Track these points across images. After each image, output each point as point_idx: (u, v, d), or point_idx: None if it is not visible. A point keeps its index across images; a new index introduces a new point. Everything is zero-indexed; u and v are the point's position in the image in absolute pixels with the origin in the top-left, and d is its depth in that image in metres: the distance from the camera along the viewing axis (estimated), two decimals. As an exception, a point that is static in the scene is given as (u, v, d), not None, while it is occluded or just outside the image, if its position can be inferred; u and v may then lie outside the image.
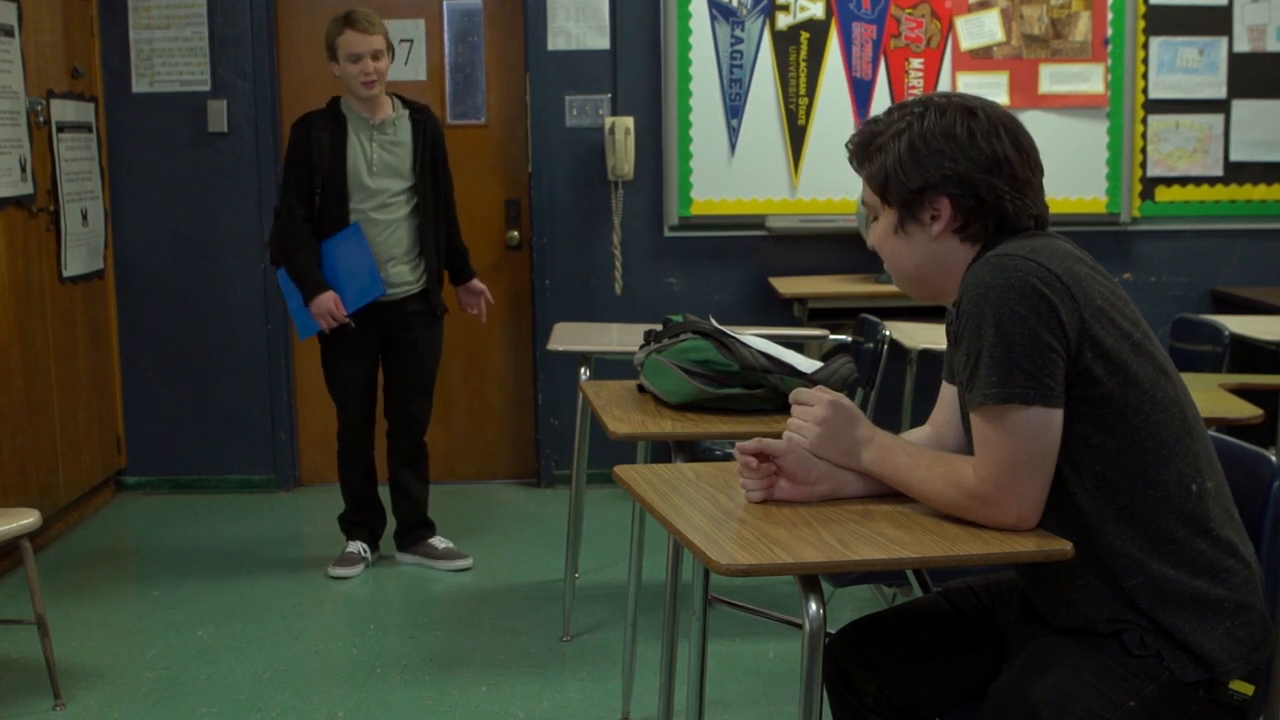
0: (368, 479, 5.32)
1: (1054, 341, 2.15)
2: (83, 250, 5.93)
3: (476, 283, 5.37)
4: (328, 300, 4.98)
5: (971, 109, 2.31)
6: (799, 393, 2.45)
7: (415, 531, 5.35)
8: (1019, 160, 2.30)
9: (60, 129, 5.73)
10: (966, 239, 2.33)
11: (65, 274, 5.76)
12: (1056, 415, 2.17)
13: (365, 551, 5.27)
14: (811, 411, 2.40)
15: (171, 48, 6.20)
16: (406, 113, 5.13)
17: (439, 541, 5.34)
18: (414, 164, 5.08)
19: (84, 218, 5.95)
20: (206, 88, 6.19)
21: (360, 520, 5.32)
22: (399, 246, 5.08)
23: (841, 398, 2.41)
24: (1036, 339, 2.14)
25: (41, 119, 5.57)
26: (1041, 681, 2.22)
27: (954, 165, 2.29)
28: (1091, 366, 2.18)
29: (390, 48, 5.08)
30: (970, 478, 2.22)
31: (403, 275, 5.11)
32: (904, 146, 2.32)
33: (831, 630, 2.47)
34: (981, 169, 2.28)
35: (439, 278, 5.21)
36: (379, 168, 5.05)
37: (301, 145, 5.04)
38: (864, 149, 2.39)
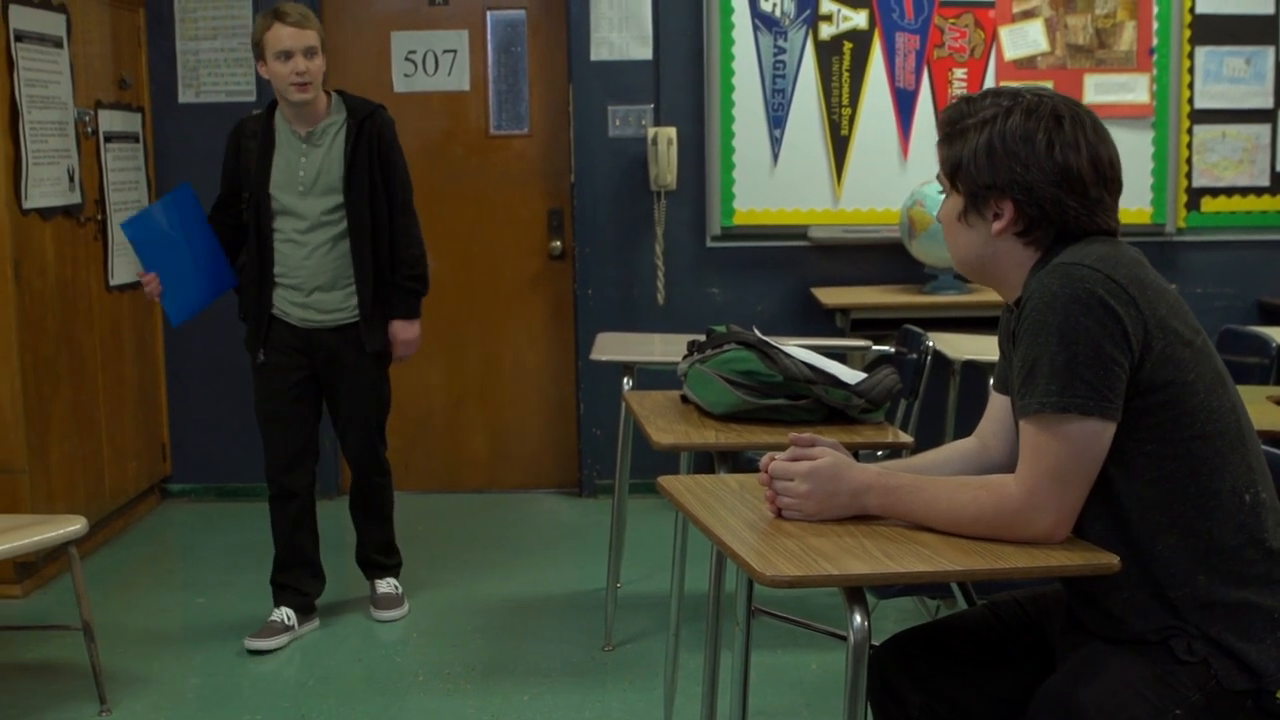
0: (299, 531, 4.72)
1: (1117, 354, 2.14)
2: (129, 259, 5.96)
3: (397, 328, 4.65)
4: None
5: (1060, 117, 2.29)
6: (775, 466, 2.39)
7: (366, 569, 4.96)
8: (1093, 178, 2.28)
9: (108, 139, 5.79)
10: (1028, 242, 2.32)
11: (112, 282, 5.81)
12: (1110, 429, 2.17)
13: (290, 619, 4.66)
14: (793, 487, 2.36)
15: (217, 58, 6.25)
16: (342, 118, 4.58)
17: (382, 584, 4.90)
18: (345, 179, 4.52)
19: (131, 227, 5.99)
20: (252, 98, 6.23)
21: (287, 582, 4.73)
22: (330, 273, 4.56)
23: (818, 461, 2.36)
24: (1100, 351, 2.14)
25: (89, 129, 5.62)
26: (1088, 686, 2.21)
27: (1025, 172, 2.27)
28: (1152, 375, 2.17)
29: (326, 47, 4.55)
30: (1012, 486, 2.21)
31: (333, 303, 4.59)
32: (982, 140, 2.30)
33: (873, 642, 2.46)
34: (1051, 181, 2.27)
35: (374, 309, 4.61)
36: (306, 186, 4.53)
37: (230, 155, 4.64)
38: (950, 127, 2.38)
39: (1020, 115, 2.29)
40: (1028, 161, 2.27)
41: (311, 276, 4.57)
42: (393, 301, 4.63)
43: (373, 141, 4.56)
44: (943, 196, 2.44)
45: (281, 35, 4.44)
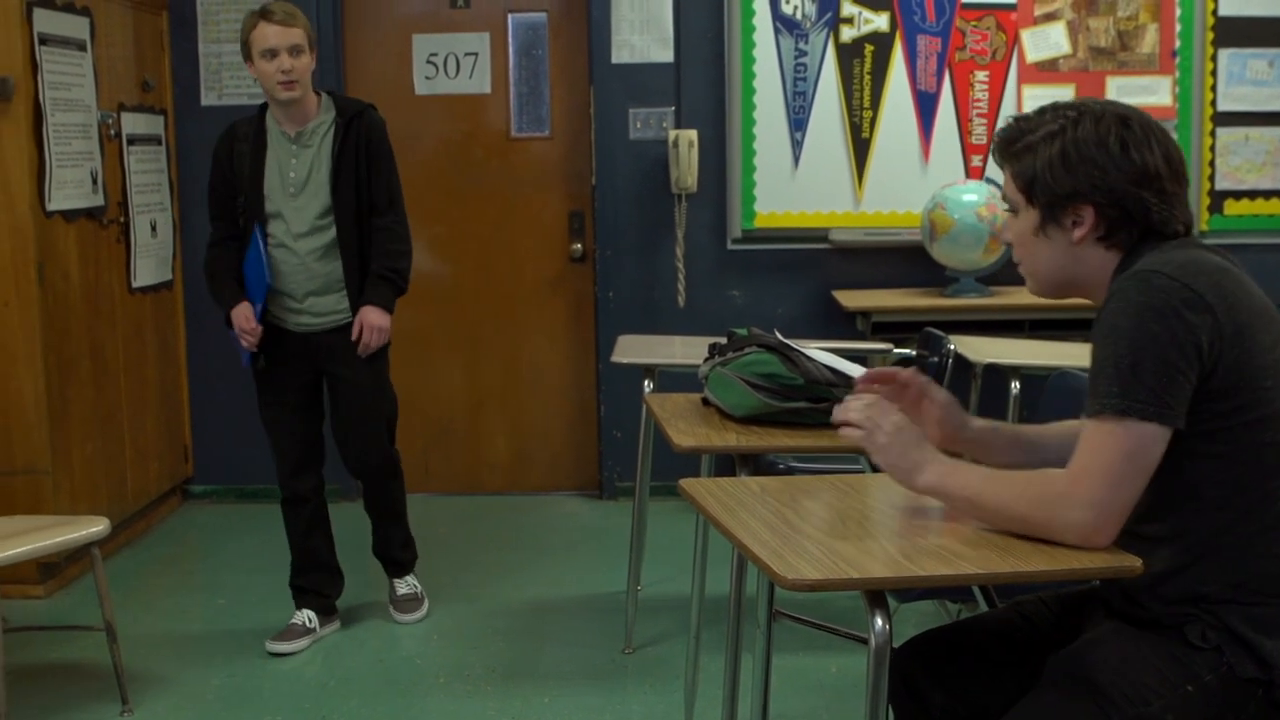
0: (313, 534, 4.73)
1: (1184, 365, 2.15)
2: (152, 261, 6.00)
3: (367, 313, 4.52)
4: (238, 315, 4.48)
5: (1126, 119, 2.32)
6: (879, 401, 2.47)
7: (385, 563, 4.94)
8: (1168, 173, 2.31)
9: (130, 141, 5.81)
10: (1109, 246, 2.33)
11: (134, 284, 5.83)
12: (1167, 436, 2.16)
13: (311, 621, 4.68)
14: (891, 419, 2.41)
15: (239, 61, 6.16)
16: (331, 118, 4.52)
17: (401, 585, 4.90)
18: (332, 181, 4.47)
19: (153, 229, 6.02)
20: (274, 101, 6.25)
21: (306, 585, 4.75)
22: (325, 275, 4.52)
23: (913, 425, 2.45)
24: (1166, 360, 2.14)
25: (112, 131, 5.65)
26: (1101, 652, 2.24)
27: (1103, 175, 2.29)
28: (1224, 382, 2.18)
29: (313, 46, 4.49)
30: (1060, 480, 2.21)
31: (329, 305, 4.55)
32: (1056, 151, 2.32)
33: (893, 645, 2.47)
34: (1131, 181, 2.29)
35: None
36: (296, 189, 4.48)
37: (223, 160, 4.54)
38: (1010, 145, 2.39)
39: (1090, 122, 2.31)
40: (1105, 165, 2.29)
41: (305, 281, 4.52)
42: (366, 289, 4.54)
43: (360, 141, 4.51)
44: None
45: (267, 34, 4.39)
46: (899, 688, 2.51)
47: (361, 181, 4.51)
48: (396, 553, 4.93)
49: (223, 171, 4.55)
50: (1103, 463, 2.16)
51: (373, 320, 4.53)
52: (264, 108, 4.58)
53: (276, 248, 4.51)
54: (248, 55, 4.46)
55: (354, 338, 4.54)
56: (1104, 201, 2.30)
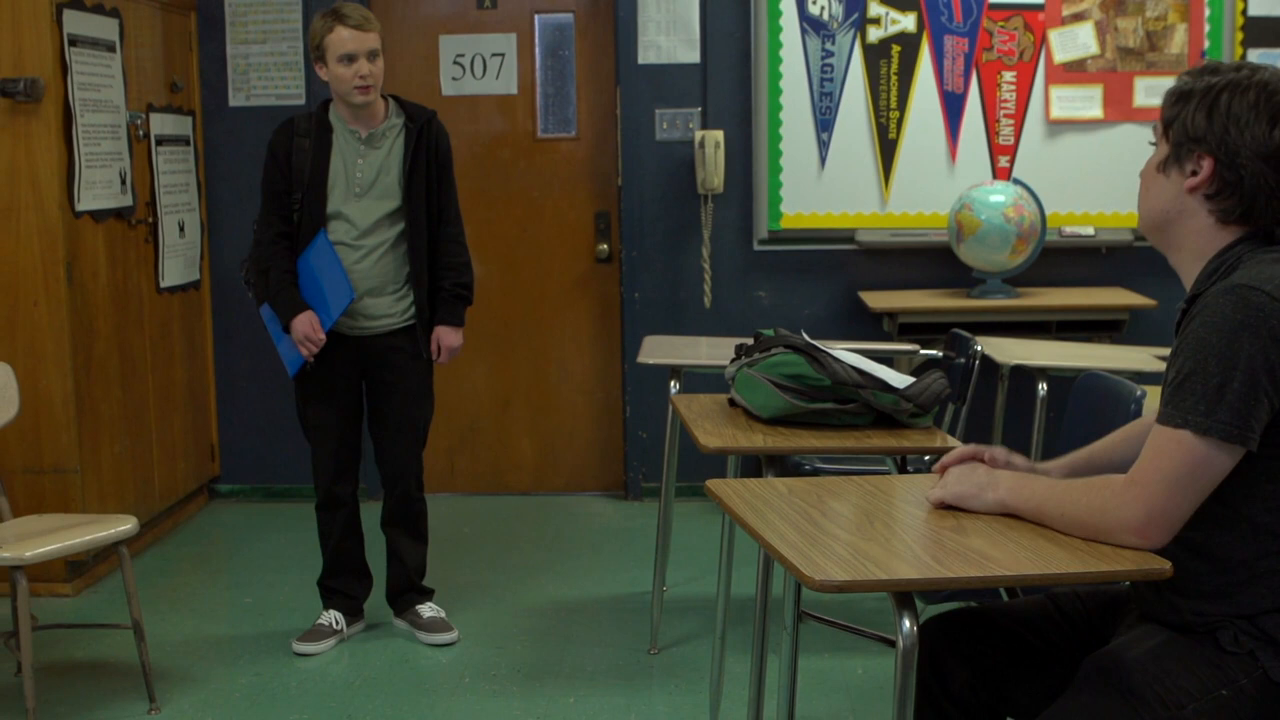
0: (347, 537, 4.70)
1: (1271, 389, 2.15)
2: (179, 261, 6.03)
3: (445, 334, 4.58)
4: (304, 323, 4.40)
5: None
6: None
7: (404, 596, 4.77)
8: None
9: (159, 142, 5.84)
10: (1212, 209, 2.32)
11: (162, 284, 5.86)
12: (1239, 455, 2.16)
13: (339, 623, 4.66)
14: (953, 470, 2.49)
15: (267, 62, 6.29)
16: (401, 121, 4.50)
17: (426, 609, 4.72)
18: (403, 184, 4.46)
19: (181, 229, 6.04)
20: (301, 101, 6.26)
21: (336, 586, 4.72)
22: (380, 277, 4.48)
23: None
24: (1255, 382, 2.14)
25: (141, 132, 5.67)
26: (1136, 654, 2.24)
27: (1238, 135, 2.27)
28: None
29: (383, 48, 4.46)
30: (1119, 481, 2.21)
31: (382, 308, 4.51)
32: (1211, 98, 2.30)
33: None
34: (1259, 154, 2.26)
35: (428, 313, 4.57)
36: (362, 188, 4.45)
37: (281, 154, 4.47)
38: (1194, 79, 2.37)
39: (1255, 89, 2.28)
40: (1243, 125, 2.27)
41: (361, 281, 4.46)
42: (440, 307, 4.57)
43: (432, 147, 4.50)
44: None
45: (344, 38, 4.34)
46: (923, 662, 2.49)
47: (432, 186, 4.50)
48: (420, 580, 4.79)
49: (280, 166, 4.48)
50: (1167, 469, 2.16)
51: (450, 342, 4.58)
52: (325, 104, 4.54)
53: (336, 246, 4.47)
54: (320, 58, 4.39)
55: (435, 357, 4.59)
56: (1225, 160, 2.28)
